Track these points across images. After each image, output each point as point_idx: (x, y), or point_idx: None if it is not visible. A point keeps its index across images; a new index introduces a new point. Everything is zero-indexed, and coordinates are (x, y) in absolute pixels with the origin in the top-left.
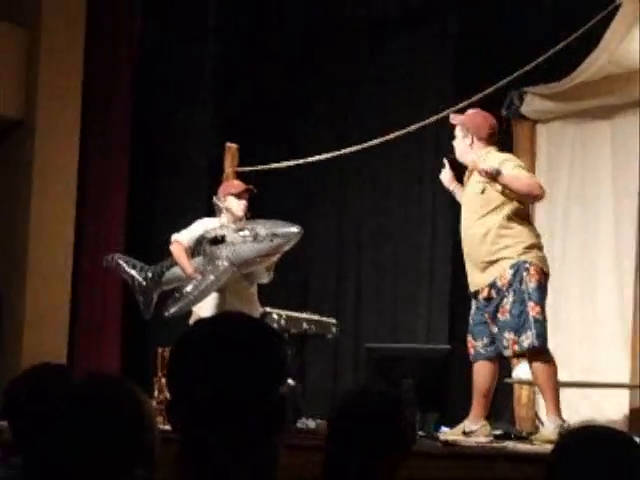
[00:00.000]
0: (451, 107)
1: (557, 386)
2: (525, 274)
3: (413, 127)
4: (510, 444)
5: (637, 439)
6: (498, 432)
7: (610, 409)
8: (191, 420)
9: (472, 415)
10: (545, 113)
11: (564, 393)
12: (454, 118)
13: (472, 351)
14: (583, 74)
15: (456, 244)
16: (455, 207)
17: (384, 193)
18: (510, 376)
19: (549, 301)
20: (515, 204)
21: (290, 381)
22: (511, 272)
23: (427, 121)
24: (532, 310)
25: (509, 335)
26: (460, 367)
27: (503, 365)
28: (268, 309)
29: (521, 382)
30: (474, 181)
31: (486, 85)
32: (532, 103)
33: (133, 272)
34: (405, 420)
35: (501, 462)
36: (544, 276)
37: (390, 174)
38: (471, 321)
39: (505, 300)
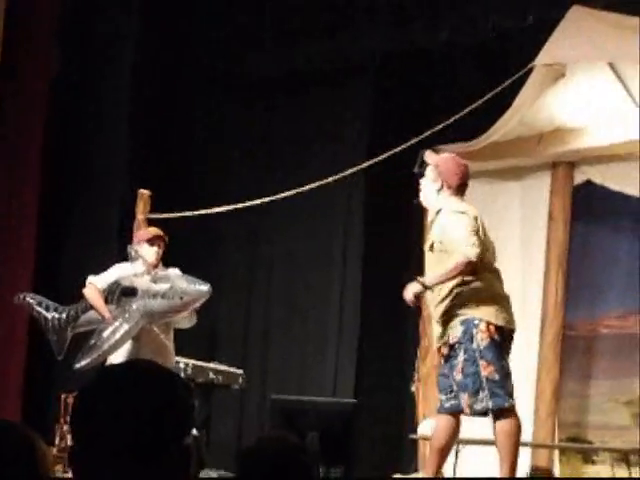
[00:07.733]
0: (364, 162)
1: (515, 448)
2: (475, 331)
3: (326, 180)
4: None
5: None
6: None
7: None
8: (94, 468)
9: (424, 471)
10: None
11: (467, 448)
12: (429, 156)
13: (438, 403)
14: (495, 134)
15: (365, 297)
16: (364, 259)
17: (295, 242)
18: (415, 432)
19: None
20: None
21: (194, 432)
22: (462, 329)
23: (339, 175)
24: (484, 370)
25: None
26: (367, 420)
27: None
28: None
29: (425, 438)
30: (429, 235)
31: (400, 143)
32: None
33: (45, 312)
34: (306, 467)
35: None
36: (497, 332)
37: (302, 223)
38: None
39: (457, 359)
